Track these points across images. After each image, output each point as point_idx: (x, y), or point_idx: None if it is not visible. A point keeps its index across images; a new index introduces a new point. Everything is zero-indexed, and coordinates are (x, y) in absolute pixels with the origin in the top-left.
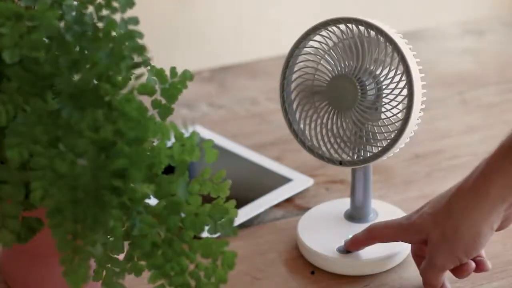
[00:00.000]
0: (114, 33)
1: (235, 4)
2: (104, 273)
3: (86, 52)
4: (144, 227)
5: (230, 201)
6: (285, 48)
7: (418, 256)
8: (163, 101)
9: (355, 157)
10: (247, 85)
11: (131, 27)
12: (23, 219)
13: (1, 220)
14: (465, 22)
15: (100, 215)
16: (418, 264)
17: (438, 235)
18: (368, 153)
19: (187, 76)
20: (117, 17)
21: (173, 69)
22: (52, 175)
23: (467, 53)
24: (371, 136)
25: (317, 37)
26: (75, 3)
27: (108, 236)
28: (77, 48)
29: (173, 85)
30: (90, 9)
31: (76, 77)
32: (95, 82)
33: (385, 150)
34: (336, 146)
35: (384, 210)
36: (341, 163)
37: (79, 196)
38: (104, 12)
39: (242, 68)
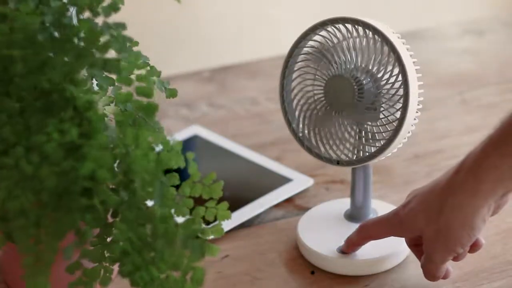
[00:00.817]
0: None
1: (235, 4)
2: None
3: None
4: (116, 233)
5: (222, 203)
6: (285, 48)
7: (413, 245)
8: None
9: (353, 157)
10: (247, 85)
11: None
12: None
13: None
14: (465, 22)
15: (64, 220)
16: (415, 253)
17: (432, 232)
18: (365, 153)
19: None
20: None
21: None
22: (18, 176)
23: (467, 53)
24: (369, 136)
25: (316, 37)
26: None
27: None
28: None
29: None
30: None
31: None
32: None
33: (382, 150)
34: (334, 146)
35: (384, 210)
36: (338, 162)
37: (44, 199)
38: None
39: (242, 68)
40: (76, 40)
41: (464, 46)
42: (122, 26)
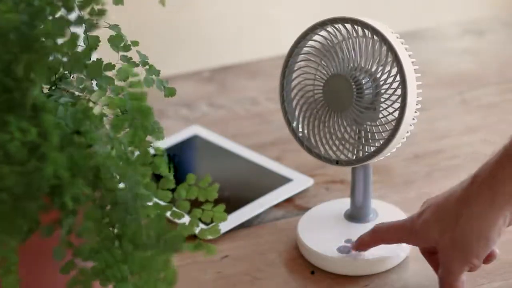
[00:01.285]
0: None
1: (235, 4)
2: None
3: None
4: (83, 232)
5: (219, 205)
6: (285, 48)
7: (426, 252)
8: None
9: (352, 157)
10: (247, 85)
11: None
12: None
13: None
14: (465, 22)
15: (18, 220)
16: (429, 261)
17: (447, 243)
18: (365, 152)
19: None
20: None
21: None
22: None
23: (467, 53)
24: (369, 136)
25: (316, 37)
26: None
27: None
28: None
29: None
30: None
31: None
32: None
33: (380, 149)
34: (333, 146)
35: (384, 210)
36: (337, 162)
37: (2, 198)
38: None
39: (242, 68)
40: (47, 40)
41: (464, 46)
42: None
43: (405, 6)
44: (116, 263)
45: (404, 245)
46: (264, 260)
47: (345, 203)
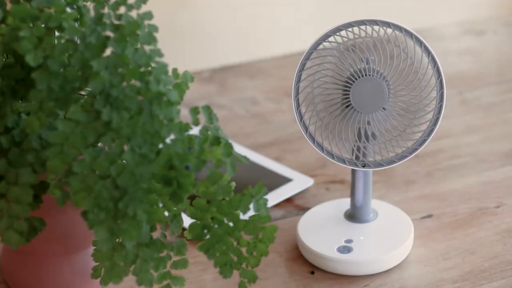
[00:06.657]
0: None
1: (235, 4)
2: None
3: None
4: (195, 212)
5: (258, 184)
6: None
7: None
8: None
9: (380, 159)
10: (247, 85)
11: (146, 22)
12: (26, 219)
13: (8, 221)
14: (465, 22)
15: (140, 209)
16: None
17: None
18: (395, 154)
19: (188, 77)
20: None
21: (174, 71)
22: (93, 176)
23: (467, 53)
24: (401, 137)
25: (338, 38)
26: (87, 3)
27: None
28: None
29: (176, 86)
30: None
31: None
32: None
33: (414, 150)
34: (360, 149)
35: (384, 210)
36: (364, 165)
37: (119, 195)
38: (121, 10)
39: (242, 68)
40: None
41: (464, 46)
42: (149, 15)
43: (405, 6)
44: (223, 236)
45: (404, 245)
46: (264, 260)
47: (345, 203)
